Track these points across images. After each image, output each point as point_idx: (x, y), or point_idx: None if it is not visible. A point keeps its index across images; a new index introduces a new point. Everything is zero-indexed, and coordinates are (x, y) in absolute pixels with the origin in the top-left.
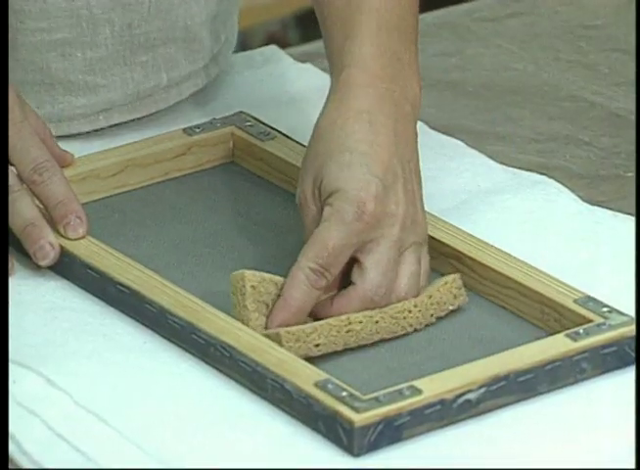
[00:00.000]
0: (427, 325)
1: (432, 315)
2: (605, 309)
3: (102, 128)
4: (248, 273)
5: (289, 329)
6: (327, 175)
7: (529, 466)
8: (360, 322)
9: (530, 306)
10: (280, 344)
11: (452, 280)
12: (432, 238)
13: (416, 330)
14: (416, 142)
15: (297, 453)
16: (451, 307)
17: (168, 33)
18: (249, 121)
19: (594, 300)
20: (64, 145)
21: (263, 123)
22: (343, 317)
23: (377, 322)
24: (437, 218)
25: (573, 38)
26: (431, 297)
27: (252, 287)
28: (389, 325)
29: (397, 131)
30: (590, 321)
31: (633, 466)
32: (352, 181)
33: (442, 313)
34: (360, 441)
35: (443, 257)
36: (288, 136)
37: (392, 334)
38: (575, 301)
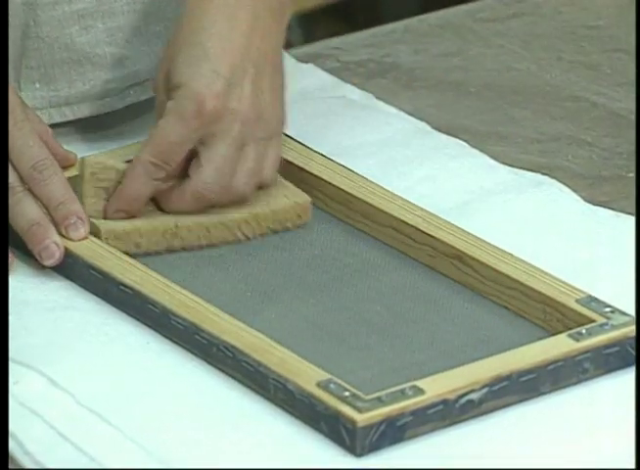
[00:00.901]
0: (261, 234)
1: (268, 227)
2: (607, 309)
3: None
4: (88, 159)
5: (110, 226)
6: (175, 68)
7: (531, 466)
8: (189, 229)
9: (533, 307)
10: (99, 237)
11: (302, 202)
12: (433, 238)
13: (248, 239)
14: (279, 38)
15: (300, 453)
16: (290, 226)
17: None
18: None
19: (596, 300)
20: (67, 146)
21: None
22: (172, 222)
23: (207, 229)
24: (439, 218)
25: (576, 39)
26: (274, 212)
27: (92, 173)
28: (222, 233)
29: (256, 26)
30: (592, 321)
31: (633, 466)
32: (196, 77)
33: (280, 229)
34: (362, 441)
35: (445, 256)
36: (289, 136)
37: (223, 241)
38: (578, 301)
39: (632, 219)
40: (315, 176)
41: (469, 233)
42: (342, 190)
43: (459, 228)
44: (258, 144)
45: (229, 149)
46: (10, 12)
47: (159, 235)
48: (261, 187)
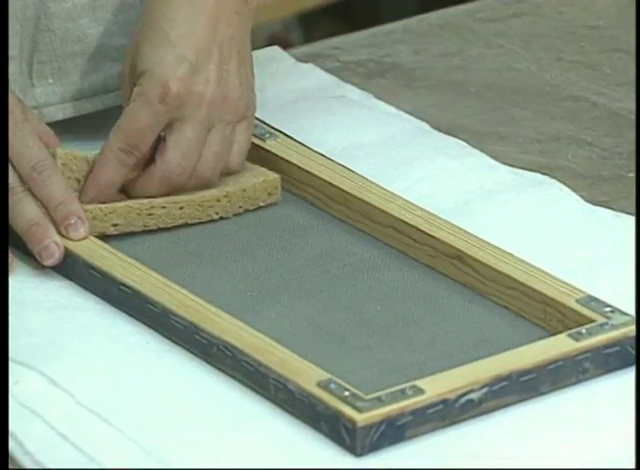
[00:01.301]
0: (234, 214)
1: (240, 207)
2: (607, 309)
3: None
4: (59, 151)
5: (86, 207)
6: (140, 56)
7: (531, 466)
8: (163, 207)
9: (533, 306)
10: None
11: (272, 179)
12: (433, 238)
13: (222, 218)
14: (244, 24)
15: (300, 453)
16: (262, 204)
17: None
18: None
19: (596, 299)
20: (65, 145)
21: (265, 124)
22: (146, 201)
23: (181, 208)
24: (439, 218)
25: (576, 38)
26: (245, 190)
27: (63, 164)
28: (194, 212)
29: (220, 12)
30: (592, 321)
31: (633, 466)
32: (160, 63)
33: (252, 207)
34: (362, 440)
35: (445, 256)
36: (290, 136)
37: (196, 220)
38: (578, 300)
39: (632, 219)
40: (315, 176)
41: (469, 233)
42: (343, 190)
43: (459, 228)
44: (225, 127)
45: (195, 132)
46: (21, 5)
47: (134, 215)
48: (229, 173)
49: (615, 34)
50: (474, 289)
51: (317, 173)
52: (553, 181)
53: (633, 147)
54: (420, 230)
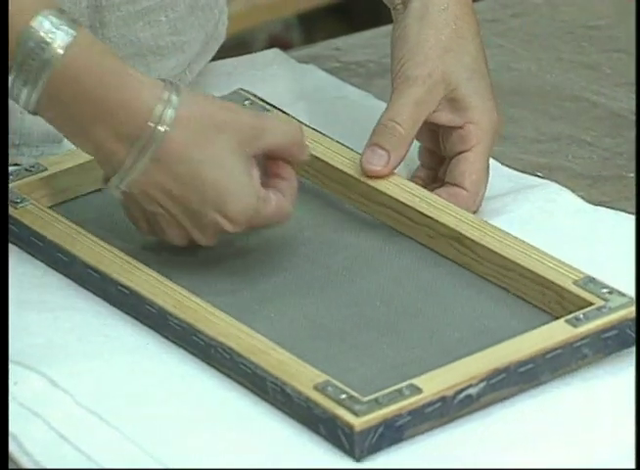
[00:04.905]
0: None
1: None
2: (605, 291)
3: None
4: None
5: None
6: (460, 85)
7: (531, 466)
8: None
9: (531, 288)
10: None
11: None
12: (431, 219)
13: None
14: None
15: (298, 456)
16: None
17: None
18: (248, 99)
19: (594, 280)
20: None
21: (262, 100)
22: None
23: None
24: (438, 199)
25: (575, 38)
26: None
27: None
28: None
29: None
30: (590, 303)
31: (633, 466)
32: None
33: None
34: (361, 444)
35: (444, 237)
36: (285, 112)
37: None
38: (575, 282)
39: (632, 219)
40: (314, 157)
41: (468, 214)
42: (341, 170)
43: (458, 209)
44: None
45: None
46: (76, 15)
47: None
48: None
49: (614, 34)
50: (472, 270)
51: (316, 154)
52: (553, 182)
53: (633, 147)
54: (418, 211)
